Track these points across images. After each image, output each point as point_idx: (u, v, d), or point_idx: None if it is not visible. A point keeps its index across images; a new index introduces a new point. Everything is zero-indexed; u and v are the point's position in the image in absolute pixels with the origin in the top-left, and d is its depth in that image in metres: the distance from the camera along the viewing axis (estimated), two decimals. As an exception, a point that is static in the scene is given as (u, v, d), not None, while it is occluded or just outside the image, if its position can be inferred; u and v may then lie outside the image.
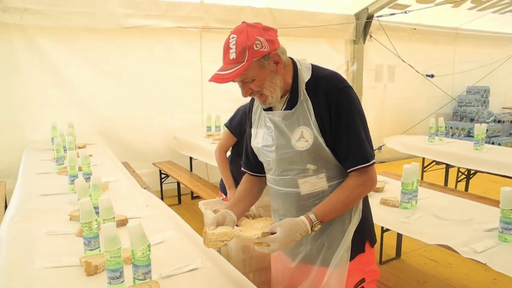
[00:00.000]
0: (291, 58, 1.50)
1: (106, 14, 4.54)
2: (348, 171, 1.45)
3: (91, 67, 4.77)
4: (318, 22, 6.02)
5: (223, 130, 3.59)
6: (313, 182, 1.47)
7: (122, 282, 1.36)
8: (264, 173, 1.66)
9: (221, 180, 2.87)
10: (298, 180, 1.49)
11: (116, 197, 2.00)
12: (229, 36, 1.38)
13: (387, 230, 2.76)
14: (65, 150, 3.37)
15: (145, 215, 2.16)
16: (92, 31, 4.65)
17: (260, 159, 1.61)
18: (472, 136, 4.82)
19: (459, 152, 4.24)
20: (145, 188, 3.07)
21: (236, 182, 2.66)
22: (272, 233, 1.34)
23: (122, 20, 4.64)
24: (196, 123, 5.53)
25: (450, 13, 6.97)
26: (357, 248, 1.53)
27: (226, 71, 1.35)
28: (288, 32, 5.63)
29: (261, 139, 1.55)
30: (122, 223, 1.98)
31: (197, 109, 5.56)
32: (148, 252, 1.37)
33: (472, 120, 7.81)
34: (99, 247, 1.65)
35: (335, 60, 6.60)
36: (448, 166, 4.80)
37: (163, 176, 5.13)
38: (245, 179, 1.73)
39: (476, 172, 4.44)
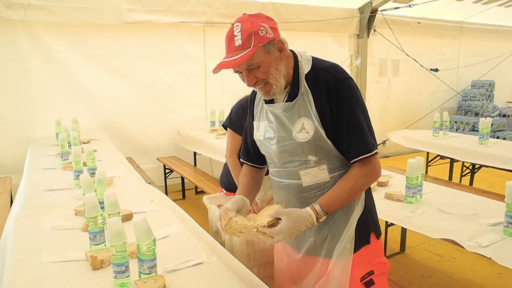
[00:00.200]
0: (291, 51, 1.50)
1: (109, 9, 4.54)
2: (351, 162, 1.44)
3: (96, 63, 4.78)
4: (322, 17, 6.00)
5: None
6: (315, 174, 1.47)
7: (127, 276, 1.37)
8: (263, 165, 1.67)
9: (222, 175, 2.83)
10: (300, 172, 1.48)
11: (120, 192, 2.01)
12: (232, 25, 1.37)
13: (392, 224, 2.76)
14: (69, 146, 3.39)
15: (149, 210, 2.18)
16: (96, 27, 4.65)
17: (262, 151, 1.61)
18: (477, 131, 4.81)
19: (464, 146, 4.23)
20: (149, 183, 3.08)
21: None
22: (278, 219, 1.34)
23: (125, 15, 4.64)
24: (200, 118, 5.53)
25: (454, 6, 6.92)
26: (361, 239, 1.52)
27: (233, 57, 1.33)
28: (292, 27, 5.61)
29: (263, 131, 1.55)
30: (127, 217, 1.99)
31: (201, 104, 5.56)
32: (153, 247, 1.38)
33: (476, 114, 7.78)
34: (104, 241, 1.67)
35: (339, 54, 6.58)
36: (452, 161, 4.79)
37: (167, 171, 5.15)
38: (246, 170, 1.73)
39: (481, 166, 4.43)
